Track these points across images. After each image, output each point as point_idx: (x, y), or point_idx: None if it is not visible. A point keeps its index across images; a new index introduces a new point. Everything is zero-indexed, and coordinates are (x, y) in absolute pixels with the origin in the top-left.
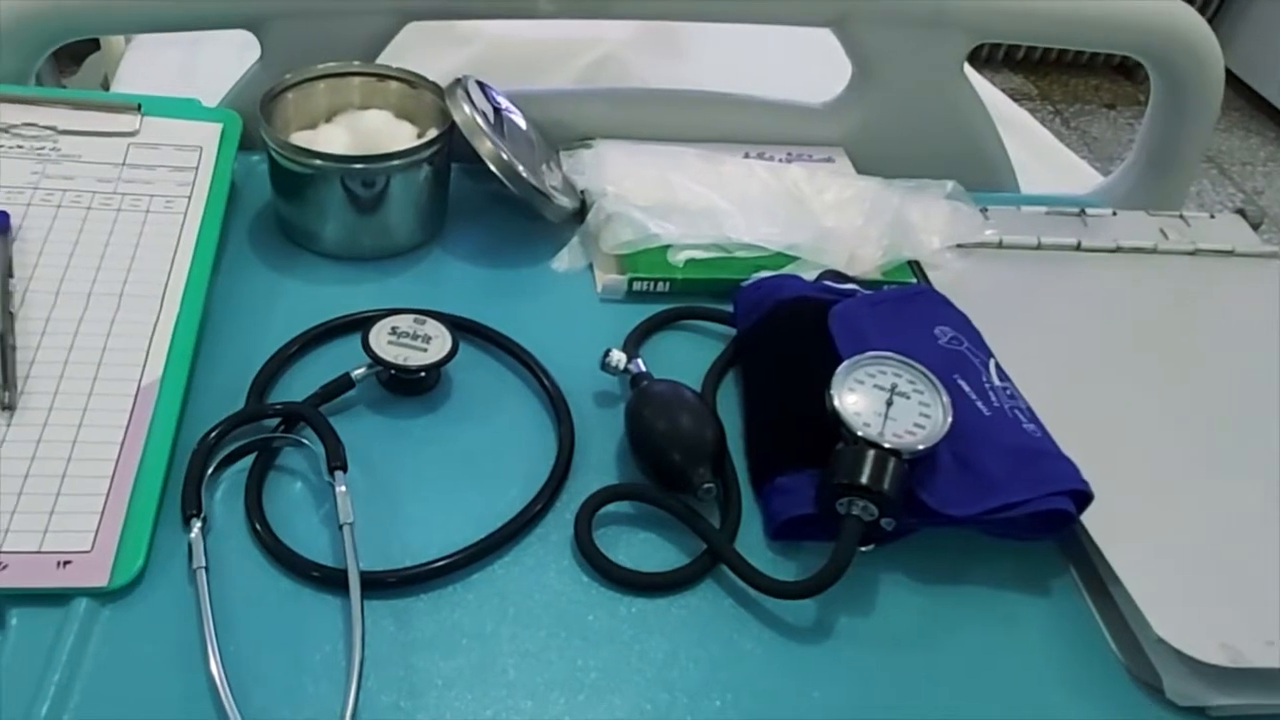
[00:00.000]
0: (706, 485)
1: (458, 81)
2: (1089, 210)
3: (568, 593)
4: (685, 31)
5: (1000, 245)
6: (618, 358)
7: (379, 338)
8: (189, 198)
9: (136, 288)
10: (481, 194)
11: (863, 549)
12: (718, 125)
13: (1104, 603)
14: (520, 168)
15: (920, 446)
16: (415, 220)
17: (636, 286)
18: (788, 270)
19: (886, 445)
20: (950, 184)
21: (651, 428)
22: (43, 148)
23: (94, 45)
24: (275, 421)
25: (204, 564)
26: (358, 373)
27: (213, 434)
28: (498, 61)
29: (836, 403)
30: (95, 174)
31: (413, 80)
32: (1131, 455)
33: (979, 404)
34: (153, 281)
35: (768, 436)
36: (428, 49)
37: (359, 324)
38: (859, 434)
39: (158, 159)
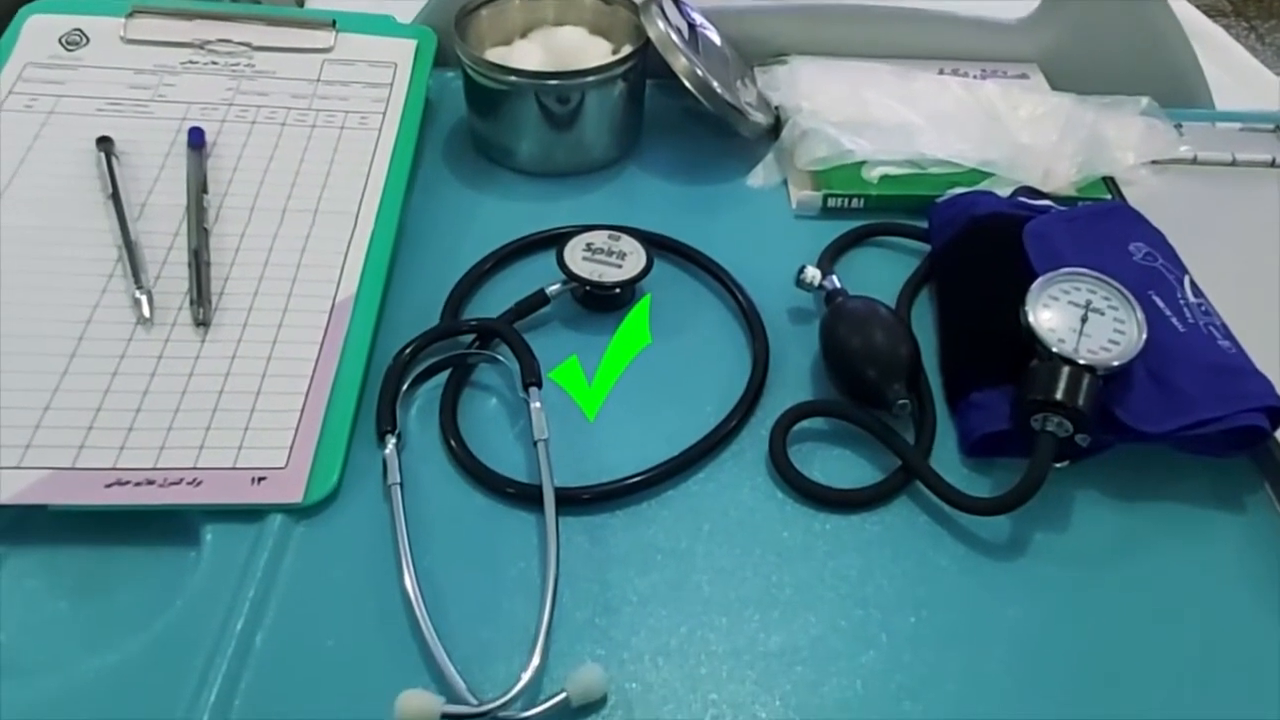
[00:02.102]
0: (901, 401)
1: None
2: None
3: (762, 509)
4: None
5: (1195, 161)
6: (812, 274)
7: (574, 254)
8: (383, 114)
9: (331, 204)
10: (676, 110)
11: (1057, 465)
12: (912, 41)
13: None
14: (715, 84)
15: (1115, 363)
16: (610, 137)
17: (831, 203)
18: (982, 187)
19: (1081, 361)
20: (1145, 100)
21: (846, 344)
22: (237, 64)
23: None
24: (470, 338)
25: (398, 480)
26: (552, 289)
27: (407, 350)
28: None
29: (1031, 319)
30: (290, 90)
31: None
32: None
33: (1173, 320)
34: (347, 198)
35: (962, 353)
36: None
37: (554, 240)
38: (1054, 350)
39: (352, 75)
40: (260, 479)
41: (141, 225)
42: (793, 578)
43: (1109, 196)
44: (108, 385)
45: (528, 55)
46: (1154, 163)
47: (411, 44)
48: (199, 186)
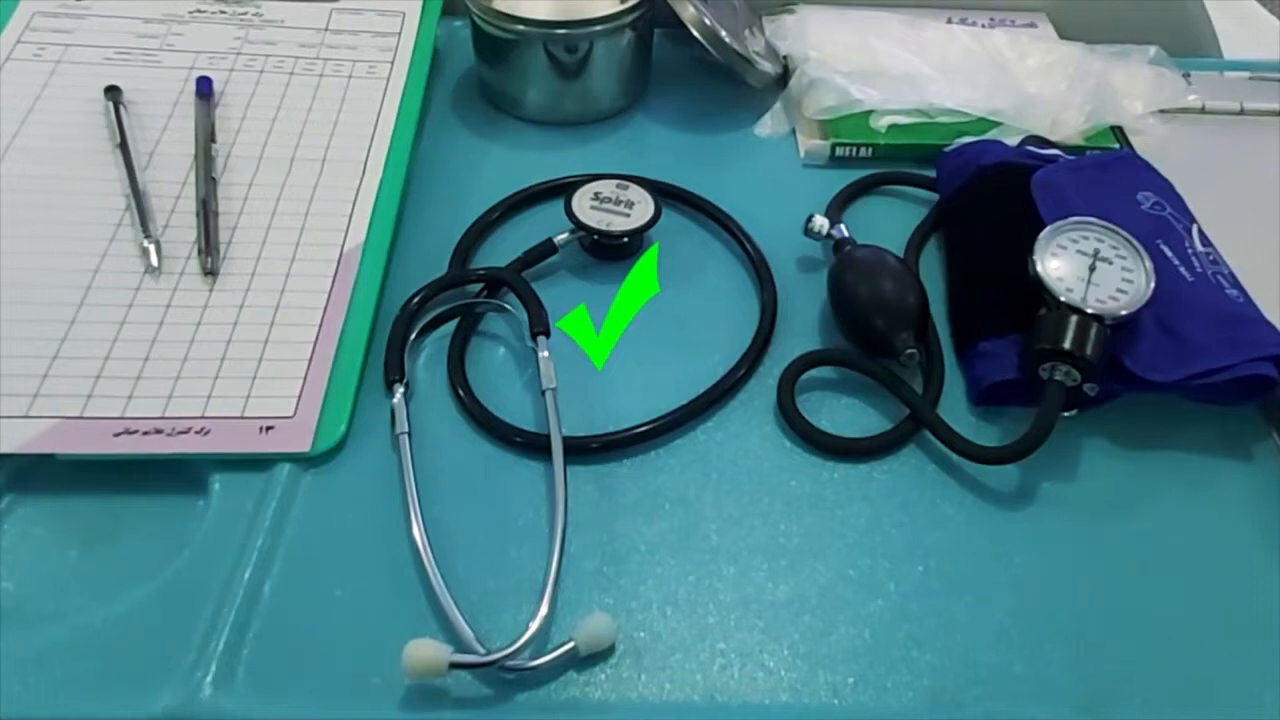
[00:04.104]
0: (909, 350)
1: None
2: None
3: (770, 458)
4: None
5: (1203, 111)
6: (820, 223)
7: (582, 203)
8: (391, 64)
9: (339, 153)
10: (684, 59)
11: (1065, 414)
12: None
13: None
14: (723, 33)
15: (1123, 312)
16: (618, 86)
17: (839, 152)
18: (990, 136)
19: (1089, 310)
20: (1153, 49)
21: (854, 293)
22: (245, 13)
23: None
24: (478, 287)
25: (406, 429)
26: (560, 238)
27: (415, 299)
28: None
29: (1039, 268)
30: (297, 39)
31: None
32: None
33: (1182, 269)
34: (355, 147)
35: (970, 302)
36: None
37: (562, 189)
38: (1062, 299)
39: (360, 25)
40: (268, 428)
41: (149, 174)
42: (800, 527)
43: (1117, 145)
44: (116, 334)
45: (536, 4)
46: (1162, 112)
47: None
48: (207, 136)
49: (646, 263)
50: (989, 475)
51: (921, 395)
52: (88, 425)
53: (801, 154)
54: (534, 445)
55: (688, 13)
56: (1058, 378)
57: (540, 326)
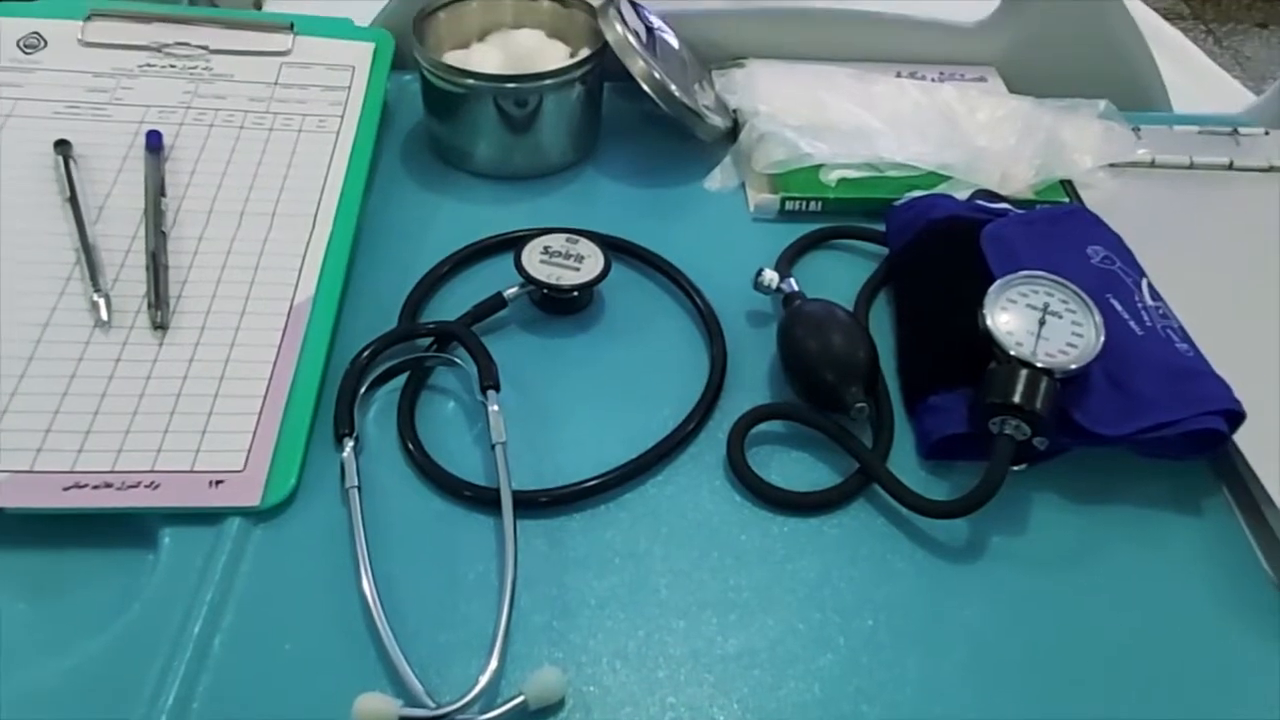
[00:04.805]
0: (859, 404)
1: (610, 1)
2: (1241, 129)
3: (720, 512)
4: None
5: (1152, 165)
6: (770, 277)
7: (531, 257)
8: (341, 117)
9: (289, 207)
10: (634, 113)
11: (1015, 468)
12: (869, 44)
13: (1256, 522)
14: (673, 87)
15: (1073, 365)
16: (568, 140)
17: (789, 206)
18: (940, 190)
19: (1039, 364)
20: (1103, 103)
21: (804, 347)
22: (195, 67)
23: None
24: (428, 341)
25: (356, 483)
26: (510, 292)
27: (365, 353)
28: None
29: (989, 322)
30: (248, 93)
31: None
32: None
33: (1131, 323)
34: (305, 201)
35: (920, 356)
36: None
37: (511, 243)
38: (1011, 353)
39: (310, 79)
40: (218, 482)
41: (99, 228)
42: (750, 580)
43: (1067, 199)
44: (66, 388)
45: (486, 58)
46: (1112, 166)
47: (369, 47)
48: (157, 189)
49: (596, 317)
50: (939, 529)
51: (871, 449)
52: (37, 479)
53: (751, 208)
54: (484, 499)
55: (637, 66)
56: (1008, 432)
57: (490, 381)
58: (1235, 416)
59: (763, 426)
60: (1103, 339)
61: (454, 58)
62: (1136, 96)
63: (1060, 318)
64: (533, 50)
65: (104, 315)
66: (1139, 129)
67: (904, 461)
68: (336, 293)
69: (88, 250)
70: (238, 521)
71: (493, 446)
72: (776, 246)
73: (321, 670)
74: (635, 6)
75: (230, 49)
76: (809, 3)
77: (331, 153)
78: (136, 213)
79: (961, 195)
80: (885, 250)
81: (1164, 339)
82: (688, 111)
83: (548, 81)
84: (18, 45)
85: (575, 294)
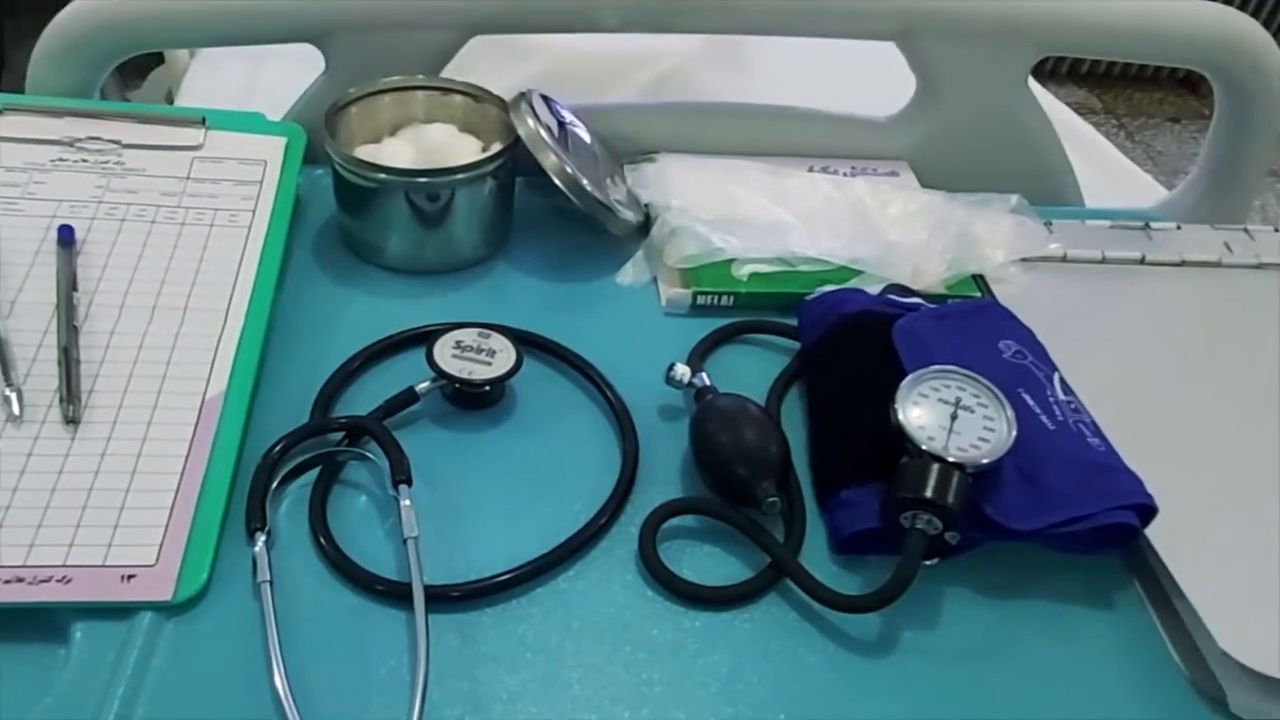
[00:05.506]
0: (771, 499)
1: (522, 95)
2: (1153, 224)
3: (632, 606)
4: (749, 45)
5: (1065, 259)
6: (682, 371)
7: (443, 351)
8: (253, 212)
9: (201, 301)
10: (546, 208)
11: (927, 563)
12: (781, 139)
13: (1168, 616)
14: (585, 181)
15: (984, 460)
16: (479, 234)
17: (700, 300)
18: (852, 284)
19: (951, 459)
20: (1014, 198)
21: (716, 441)
22: (107, 161)
23: (158, 59)
24: (340, 435)
25: (268, 578)
26: (422, 387)
27: (277, 448)
28: (562, 75)
29: (901, 416)
30: (160, 188)
31: (477, 94)
32: (1195, 469)
33: (1043, 418)
34: (217, 295)
35: (832, 450)
36: (492, 62)
37: (423, 338)
38: (923, 448)
39: (222, 173)
40: (130, 576)
41: (11, 323)
42: (663, 675)
43: (979, 294)
44: None
45: (397, 153)
46: (1024, 260)
47: (281, 141)
48: (69, 284)
49: (508, 412)
50: (851, 624)
51: (783, 543)
52: None
53: (663, 302)
54: (396, 594)
55: (549, 161)
56: (919, 526)
57: (402, 475)
58: (1147, 511)
59: (675, 521)
60: (1015, 434)
61: (365, 152)
62: (1049, 191)
63: (972, 412)
64: (444, 145)
65: (16, 410)
66: (1051, 224)
67: (816, 556)
68: (248, 387)
69: (0, 345)
70: (150, 616)
71: (405, 541)
72: (688, 341)
73: None
74: (547, 101)
75: (142, 143)
76: (721, 97)
77: (243, 247)
78: (48, 307)
79: (873, 290)
80: (797, 345)
81: (1076, 434)
82: (600, 206)
83: (459, 176)
84: None
85: (487, 389)
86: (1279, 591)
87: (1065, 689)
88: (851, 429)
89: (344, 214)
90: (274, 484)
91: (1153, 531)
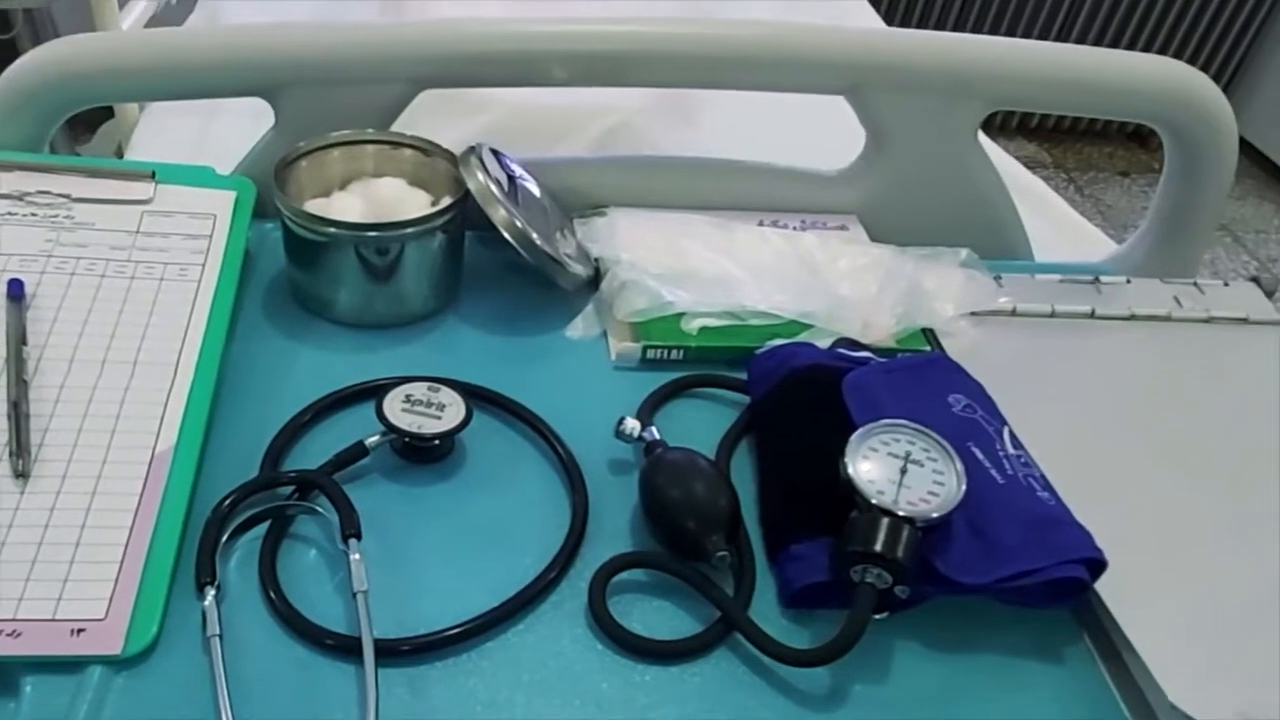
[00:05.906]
0: (720, 553)
1: (471, 149)
2: (1103, 278)
3: (582, 660)
4: (699, 99)
5: (1014, 313)
6: (631, 425)
7: (393, 405)
8: (203, 265)
9: (150, 355)
10: (496, 261)
11: (877, 617)
12: (731, 193)
13: (1118, 670)
14: (534, 235)
15: (934, 514)
16: (429, 288)
17: (650, 354)
18: (801, 338)
19: (900, 513)
20: (964, 252)
21: (665, 495)
22: (56, 215)
23: (108, 113)
24: (289, 489)
25: (218, 632)
26: (372, 440)
27: (227, 502)
28: (512, 129)
29: (850, 470)
30: (109, 242)
31: (427, 148)
32: (1145, 522)
33: (993, 472)
34: (167, 349)
35: (782, 504)
36: (442, 117)
37: (373, 392)
38: (873, 502)
39: (172, 227)
40: (80, 630)
41: None
42: None
43: (928, 348)
44: None
45: (347, 206)
46: (973, 314)
47: (231, 195)
48: (18, 338)
49: (458, 465)
50: (801, 678)
51: (733, 597)
52: None
53: (613, 356)
54: (346, 647)
55: (499, 215)
56: (869, 580)
57: (351, 529)
58: (1096, 565)
59: (624, 575)
60: (964, 488)
61: (315, 206)
62: (998, 245)
63: (922, 466)
64: (394, 198)
65: None
66: (1000, 277)
67: (766, 610)
68: (198, 441)
69: None
70: (99, 670)
71: (354, 595)
72: (638, 395)
73: None
74: (497, 155)
75: (92, 197)
76: (671, 151)
77: (193, 301)
78: None
79: (823, 344)
80: (747, 399)
81: (1025, 487)
82: (549, 260)
83: (409, 230)
84: None
85: (437, 442)
86: (1228, 645)
87: None
88: (801, 483)
89: (294, 267)
90: (224, 538)
91: (1102, 585)
